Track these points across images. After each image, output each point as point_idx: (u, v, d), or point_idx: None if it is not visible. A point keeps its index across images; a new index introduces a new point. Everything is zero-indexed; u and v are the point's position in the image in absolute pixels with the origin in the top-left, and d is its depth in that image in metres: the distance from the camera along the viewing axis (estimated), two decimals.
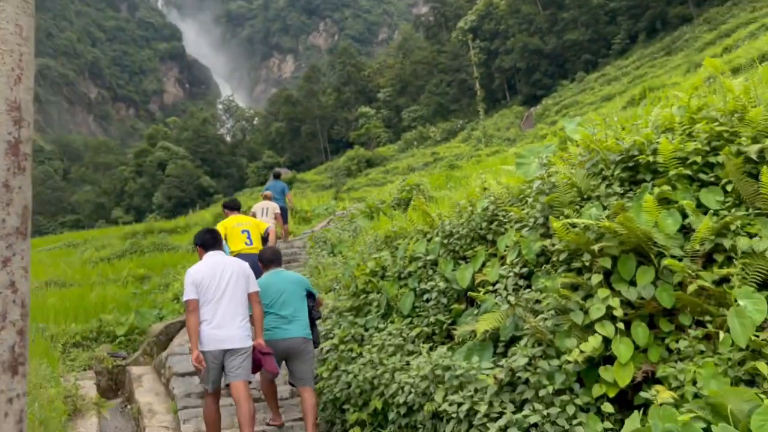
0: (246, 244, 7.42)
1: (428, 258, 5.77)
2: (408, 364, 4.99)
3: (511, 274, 4.70)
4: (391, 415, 4.76)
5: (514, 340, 4.40)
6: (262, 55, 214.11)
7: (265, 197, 12.18)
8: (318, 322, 6.62)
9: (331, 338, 6.09)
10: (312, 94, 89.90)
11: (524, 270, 4.71)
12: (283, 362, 5.32)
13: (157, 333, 8.74)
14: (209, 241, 5.02)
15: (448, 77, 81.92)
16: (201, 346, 4.63)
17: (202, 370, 4.67)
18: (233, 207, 8.08)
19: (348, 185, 42.58)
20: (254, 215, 11.02)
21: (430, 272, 5.69)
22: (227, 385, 4.84)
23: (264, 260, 5.62)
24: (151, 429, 5.24)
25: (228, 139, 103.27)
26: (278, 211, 11.74)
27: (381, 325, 5.77)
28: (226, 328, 4.64)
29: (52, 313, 9.19)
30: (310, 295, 5.61)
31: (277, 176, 14.28)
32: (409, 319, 5.54)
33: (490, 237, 5.42)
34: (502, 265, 5.03)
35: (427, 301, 5.48)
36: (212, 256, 4.90)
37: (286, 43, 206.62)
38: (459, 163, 31.93)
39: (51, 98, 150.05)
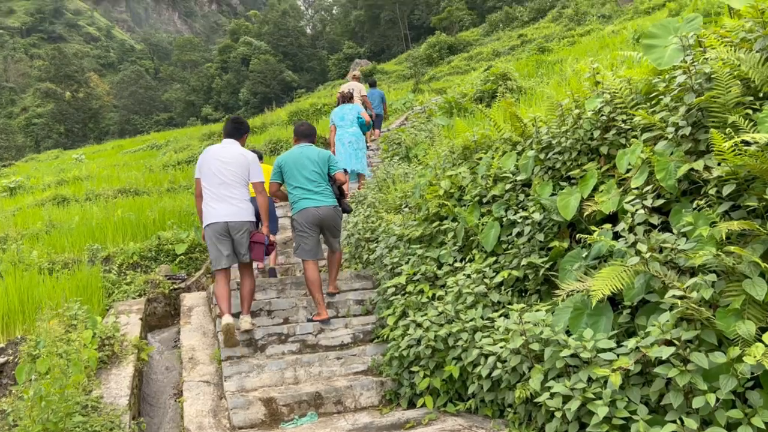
0: None
1: (519, 178, 4.44)
2: (492, 322, 3.85)
3: (641, 208, 3.33)
4: (472, 387, 3.71)
5: (645, 303, 3.13)
6: None
7: (354, 77, 13.03)
8: (382, 248, 5.58)
9: (398, 275, 5.02)
10: None
11: (660, 202, 3.32)
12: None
13: None
14: (229, 130, 5.22)
15: None
16: (204, 222, 4.97)
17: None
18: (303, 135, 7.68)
19: (429, 75, 40.11)
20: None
21: (521, 197, 4.39)
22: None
23: (297, 133, 5.48)
24: (189, 385, 4.50)
25: (308, 31, 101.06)
26: (365, 93, 12.05)
27: (458, 263, 4.61)
28: (226, 204, 4.89)
29: (111, 230, 8.68)
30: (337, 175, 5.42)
31: (373, 84, 13.96)
32: (494, 258, 4.33)
33: (604, 150, 4.00)
34: (624, 191, 3.66)
35: (518, 235, 4.23)
36: (226, 143, 5.12)
37: None
38: (549, 46, 28.76)
39: None
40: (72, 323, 5.14)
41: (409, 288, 4.69)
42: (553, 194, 4.16)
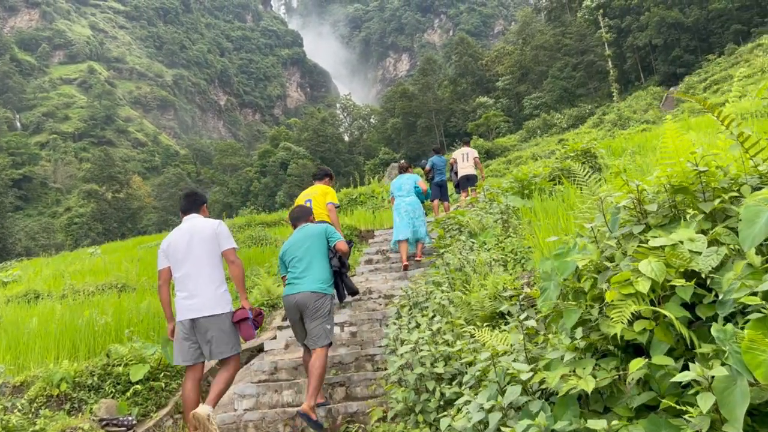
0: None
1: None
2: None
3: None
4: None
5: None
6: (378, 55, 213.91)
7: (465, 143, 13.90)
8: (479, 407, 2.66)
9: None
10: (427, 87, 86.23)
11: None
12: None
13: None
14: (184, 205, 4.76)
15: (574, 60, 74.67)
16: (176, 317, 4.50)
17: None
18: (317, 176, 7.67)
19: None
20: (455, 161, 13.12)
21: None
22: None
23: (291, 219, 5.31)
24: None
25: (346, 138, 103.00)
26: (477, 156, 13.17)
27: None
28: (197, 296, 4.38)
29: (39, 340, 5.91)
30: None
31: (437, 151, 14.23)
32: None
33: None
34: None
35: None
36: (187, 220, 4.66)
37: (402, 42, 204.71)
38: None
39: (185, 106, 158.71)
40: None
41: None
42: None
